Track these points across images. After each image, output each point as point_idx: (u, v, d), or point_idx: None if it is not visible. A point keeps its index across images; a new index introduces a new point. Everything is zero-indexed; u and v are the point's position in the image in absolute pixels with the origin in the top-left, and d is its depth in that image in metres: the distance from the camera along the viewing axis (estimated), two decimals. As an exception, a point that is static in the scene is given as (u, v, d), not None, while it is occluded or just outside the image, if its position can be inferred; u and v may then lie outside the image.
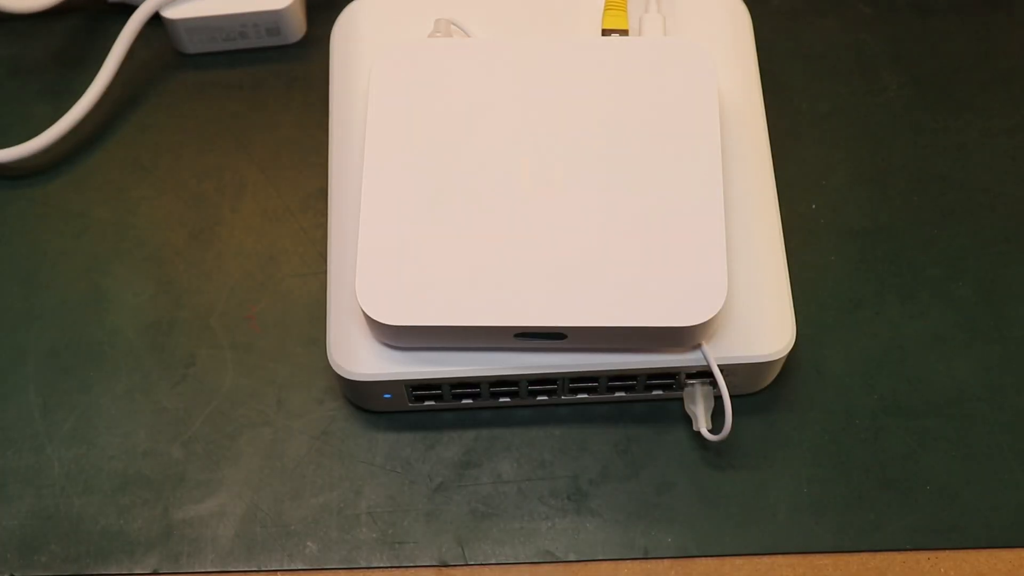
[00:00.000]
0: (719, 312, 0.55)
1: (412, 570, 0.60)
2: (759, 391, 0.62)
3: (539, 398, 0.61)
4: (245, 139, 0.69)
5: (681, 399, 0.61)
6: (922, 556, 0.59)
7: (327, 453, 0.62)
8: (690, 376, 0.59)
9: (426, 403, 0.61)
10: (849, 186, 0.67)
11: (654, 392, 0.61)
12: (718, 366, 0.57)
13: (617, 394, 0.61)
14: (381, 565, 0.60)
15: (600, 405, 0.62)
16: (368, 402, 0.61)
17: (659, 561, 0.59)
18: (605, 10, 0.63)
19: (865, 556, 0.59)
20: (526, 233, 0.56)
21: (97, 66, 0.70)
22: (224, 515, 0.61)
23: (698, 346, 0.57)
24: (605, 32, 0.62)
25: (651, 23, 0.62)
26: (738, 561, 0.59)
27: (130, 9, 0.71)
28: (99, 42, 0.72)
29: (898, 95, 0.69)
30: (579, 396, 0.61)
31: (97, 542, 0.60)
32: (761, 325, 0.58)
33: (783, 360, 0.59)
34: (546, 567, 0.60)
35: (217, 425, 0.62)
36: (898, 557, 0.59)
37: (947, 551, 0.59)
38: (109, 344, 0.64)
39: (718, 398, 0.60)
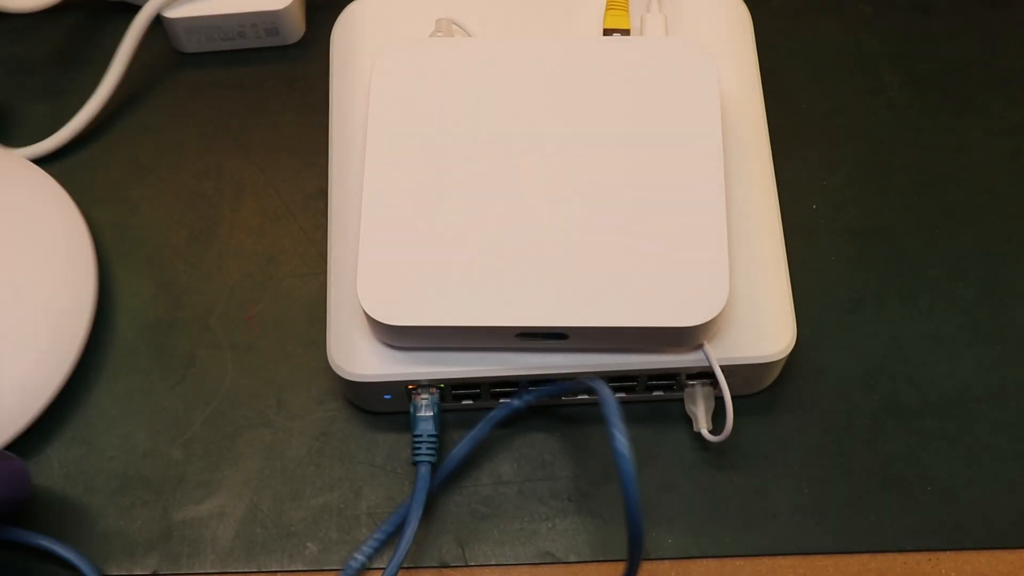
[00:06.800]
0: (720, 312, 0.55)
1: (412, 571, 0.60)
2: (759, 392, 0.62)
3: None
4: (245, 139, 0.69)
5: (681, 400, 0.61)
6: (923, 557, 0.59)
7: (327, 454, 0.62)
8: (691, 377, 0.59)
9: (426, 404, 0.61)
10: (849, 186, 0.67)
11: (655, 393, 0.61)
12: (719, 366, 0.57)
13: (617, 395, 0.61)
14: (381, 566, 0.59)
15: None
16: (368, 403, 0.61)
17: (659, 562, 0.59)
18: (607, 10, 0.63)
19: (866, 557, 0.59)
20: (528, 233, 0.56)
21: (97, 65, 0.70)
22: (224, 516, 0.61)
23: (699, 346, 0.57)
24: (607, 32, 0.62)
25: (652, 23, 0.62)
26: (739, 562, 0.59)
27: (129, 7, 0.71)
28: (99, 41, 0.72)
29: (898, 95, 0.69)
30: (580, 397, 0.61)
31: (97, 543, 0.60)
32: (762, 326, 0.58)
33: (784, 360, 0.59)
34: (546, 568, 0.59)
35: (217, 426, 0.62)
36: (899, 558, 0.59)
37: (948, 552, 0.59)
38: (109, 344, 0.64)
39: (718, 399, 0.60)
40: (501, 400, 0.60)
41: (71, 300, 0.62)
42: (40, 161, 0.68)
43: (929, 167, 0.67)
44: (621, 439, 0.50)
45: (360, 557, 0.58)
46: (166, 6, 0.69)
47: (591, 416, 0.62)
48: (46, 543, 0.59)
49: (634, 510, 0.50)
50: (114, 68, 0.68)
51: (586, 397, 0.61)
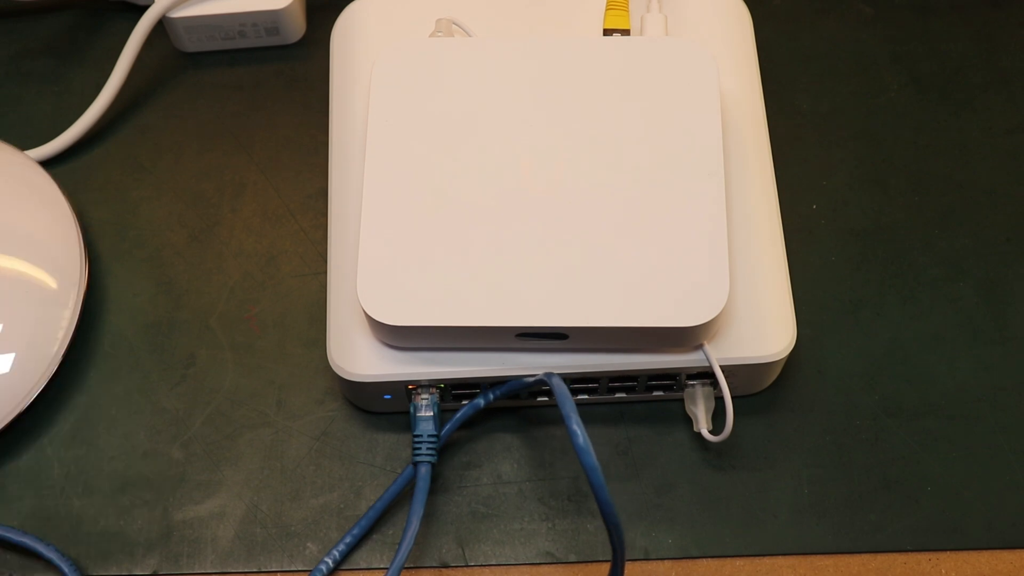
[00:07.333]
0: (720, 312, 0.55)
1: (412, 571, 0.60)
2: (760, 392, 0.62)
3: (539, 399, 0.61)
4: (245, 139, 0.69)
5: (681, 400, 0.61)
6: (923, 557, 0.59)
7: (327, 454, 0.62)
8: (691, 377, 0.59)
9: (426, 404, 0.61)
10: (849, 186, 0.67)
11: (655, 393, 0.61)
12: (719, 366, 0.57)
13: (617, 395, 0.61)
14: (381, 566, 0.59)
15: (600, 406, 0.62)
16: (368, 403, 0.61)
17: (660, 562, 0.59)
18: (607, 10, 0.63)
19: (866, 557, 0.59)
20: (528, 233, 0.56)
21: (98, 63, 0.70)
22: (224, 516, 0.61)
23: (699, 346, 0.57)
24: (607, 32, 0.62)
25: (652, 23, 0.62)
26: (739, 562, 0.59)
27: (129, 6, 0.71)
28: (99, 40, 0.72)
29: (898, 95, 0.69)
30: (579, 397, 0.61)
31: (97, 543, 0.60)
32: (762, 326, 0.58)
33: (784, 361, 0.59)
34: (546, 568, 0.59)
35: (217, 426, 0.62)
36: (899, 558, 0.59)
37: (948, 552, 0.59)
38: (109, 344, 0.64)
39: (719, 399, 0.60)
40: (463, 401, 0.60)
41: (53, 300, 0.62)
42: (43, 162, 0.68)
43: (929, 167, 0.67)
44: (580, 433, 0.50)
45: (328, 561, 0.59)
46: (170, 9, 0.69)
47: (591, 416, 0.62)
48: (30, 542, 0.59)
49: (605, 500, 0.50)
50: (117, 71, 0.68)
51: (586, 397, 0.61)
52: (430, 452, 0.58)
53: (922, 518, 0.60)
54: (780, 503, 0.60)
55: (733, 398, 0.58)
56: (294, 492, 0.61)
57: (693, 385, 0.60)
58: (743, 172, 0.61)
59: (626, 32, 0.62)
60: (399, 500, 0.60)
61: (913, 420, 0.62)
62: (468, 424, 0.61)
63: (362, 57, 0.64)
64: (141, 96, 0.71)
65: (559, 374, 0.57)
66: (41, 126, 0.70)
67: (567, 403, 0.51)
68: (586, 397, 0.61)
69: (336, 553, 0.59)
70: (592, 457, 0.50)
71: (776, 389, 0.62)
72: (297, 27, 0.71)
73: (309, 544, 0.60)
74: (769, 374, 0.60)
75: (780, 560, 0.59)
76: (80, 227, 0.64)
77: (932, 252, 0.65)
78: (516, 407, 0.62)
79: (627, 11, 0.63)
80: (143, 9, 0.70)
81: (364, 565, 0.60)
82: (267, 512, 0.61)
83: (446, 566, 0.59)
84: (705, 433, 0.59)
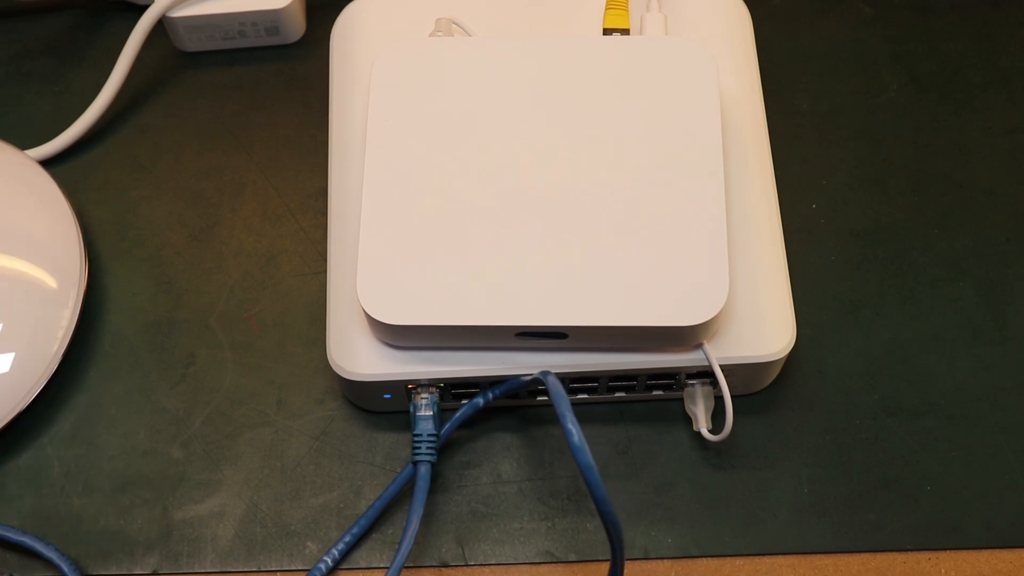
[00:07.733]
0: (720, 312, 0.55)
1: (412, 570, 0.60)
2: (759, 391, 0.62)
3: (539, 398, 0.61)
4: (245, 139, 0.69)
5: (681, 399, 0.61)
6: (923, 556, 0.59)
7: (327, 453, 0.62)
8: (690, 376, 0.59)
9: (426, 403, 0.61)
10: (849, 186, 0.67)
11: (654, 392, 0.61)
12: (719, 366, 0.57)
13: (617, 394, 0.61)
14: (381, 565, 0.60)
15: (600, 405, 0.62)
16: (368, 402, 0.61)
17: (659, 561, 0.59)
18: (606, 9, 0.63)
19: (866, 556, 0.59)
20: (527, 232, 0.56)
21: (98, 63, 0.70)
22: (224, 515, 0.61)
23: (699, 346, 0.57)
24: (606, 31, 0.62)
25: (652, 22, 0.62)
26: (739, 561, 0.59)
27: (129, 5, 0.72)
28: (99, 40, 0.72)
29: (898, 95, 0.69)
30: (579, 396, 0.61)
31: (97, 542, 0.60)
32: (762, 325, 0.58)
33: (783, 360, 0.59)
34: (546, 567, 0.59)
35: (217, 425, 0.62)
36: (899, 557, 0.59)
37: (948, 551, 0.59)
38: (109, 344, 0.64)
39: (718, 398, 0.60)
40: (463, 401, 0.60)
41: (53, 300, 0.62)
42: (43, 161, 0.68)
43: (929, 167, 0.67)
44: (575, 432, 0.50)
45: (328, 560, 0.59)
46: (170, 8, 0.69)
47: (591, 416, 0.62)
48: (29, 541, 0.59)
49: (602, 498, 0.50)
50: (117, 70, 0.68)
51: (586, 397, 0.61)
52: (430, 451, 0.58)
53: (922, 517, 0.60)
54: (780, 502, 0.60)
55: (733, 397, 0.58)
56: (294, 491, 0.61)
57: (693, 384, 0.60)
58: (743, 172, 0.61)
59: (626, 31, 0.62)
60: (399, 499, 0.60)
61: (913, 420, 0.62)
62: (468, 423, 0.61)
63: (362, 57, 0.64)
64: (141, 96, 0.71)
65: (558, 373, 0.57)
66: (41, 126, 0.70)
67: (562, 402, 0.51)
68: (586, 396, 0.61)
69: (335, 552, 0.59)
70: (587, 456, 0.50)
71: (776, 389, 0.62)
72: (297, 27, 0.71)
73: (309, 543, 0.60)
74: (769, 373, 0.60)
75: (780, 559, 0.59)
76: (80, 227, 0.64)
77: (932, 252, 0.65)
78: (516, 406, 0.62)
79: (627, 11, 0.63)
80: (143, 9, 0.70)
81: (364, 564, 0.60)
82: (267, 511, 0.61)
83: (446, 565, 0.60)
84: (705, 432, 0.59)
